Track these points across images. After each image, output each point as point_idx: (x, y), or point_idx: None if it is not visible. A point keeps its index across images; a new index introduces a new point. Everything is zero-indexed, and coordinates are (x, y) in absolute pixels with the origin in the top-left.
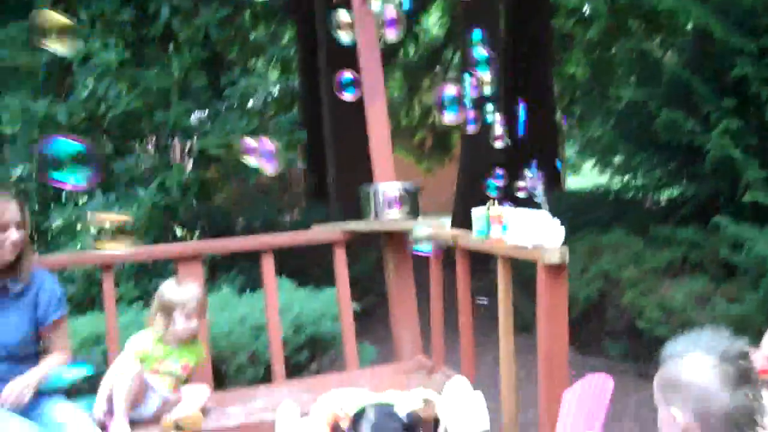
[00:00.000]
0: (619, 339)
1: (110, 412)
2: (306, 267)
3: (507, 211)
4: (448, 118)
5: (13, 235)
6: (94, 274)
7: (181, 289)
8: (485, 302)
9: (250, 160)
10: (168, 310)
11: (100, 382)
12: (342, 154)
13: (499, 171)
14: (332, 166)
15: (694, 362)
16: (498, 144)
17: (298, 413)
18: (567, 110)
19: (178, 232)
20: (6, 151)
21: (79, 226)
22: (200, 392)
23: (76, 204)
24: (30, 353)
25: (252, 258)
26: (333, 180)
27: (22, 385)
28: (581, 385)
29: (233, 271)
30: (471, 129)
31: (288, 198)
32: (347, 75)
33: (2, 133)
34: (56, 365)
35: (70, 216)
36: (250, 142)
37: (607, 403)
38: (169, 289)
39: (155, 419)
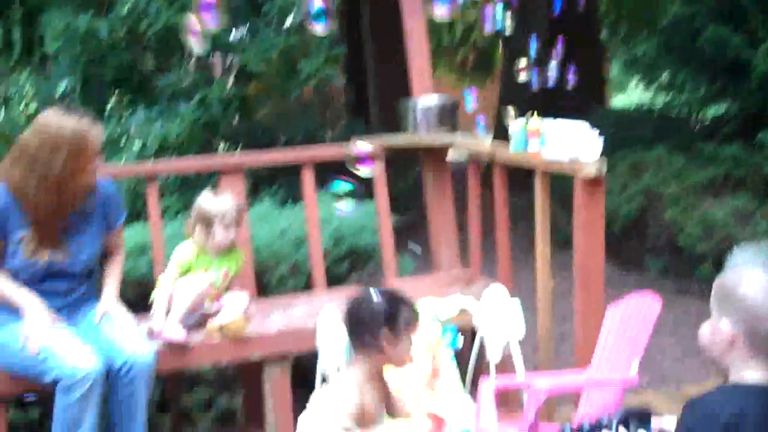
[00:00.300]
0: (660, 255)
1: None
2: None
3: (545, 124)
4: (439, 11)
5: (100, 161)
6: (138, 187)
7: (219, 200)
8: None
9: (194, 42)
10: (207, 221)
11: (152, 296)
12: (382, 69)
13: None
14: (372, 82)
15: (754, 278)
16: (522, 76)
17: (341, 318)
18: (612, 27)
19: (220, 148)
20: (49, 68)
21: (123, 141)
22: (240, 299)
23: (120, 119)
24: (97, 264)
25: (293, 173)
26: (373, 95)
27: (114, 303)
28: (626, 303)
29: (274, 186)
30: (486, 28)
31: (329, 114)
32: (317, 4)
33: (44, 52)
34: (121, 270)
35: (114, 131)
36: (192, 22)
37: (652, 326)
38: (206, 201)
39: (196, 326)
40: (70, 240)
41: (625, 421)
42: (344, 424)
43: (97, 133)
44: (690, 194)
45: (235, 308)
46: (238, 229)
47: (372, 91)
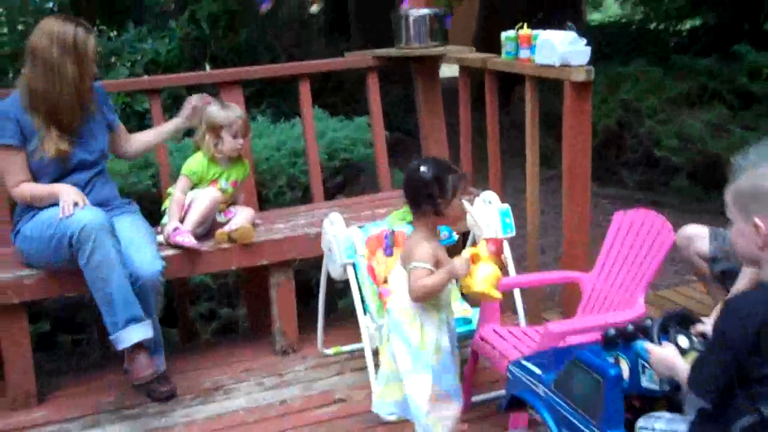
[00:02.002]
0: (636, 168)
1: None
2: (336, 103)
3: (536, 33)
4: None
5: (95, 67)
6: (132, 104)
7: (226, 110)
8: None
9: None
10: (216, 130)
11: (163, 203)
12: None
13: None
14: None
15: None
16: None
17: (344, 224)
18: None
19: (208, 67)
20: None
21: (113, 59)
22: (247, 212)
23: (110, 38)
24: (105, 166)
25: (281, 93)
26: (354, 12)
27: None
28: (634, 213)
29: (262, 105)
30: None
31: (306, 33)
32: None
33: None
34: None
35: (104, 49)
36: None
37: (661, 259)
38: (215, 111)
39: (208, 235)
40: (84, 133)
41: (665, 327)
42: (426, 263)
43: (93, 39)
44: (667, 107)
45: (244, 218)
46: (245, 139)
47: (353, 7)
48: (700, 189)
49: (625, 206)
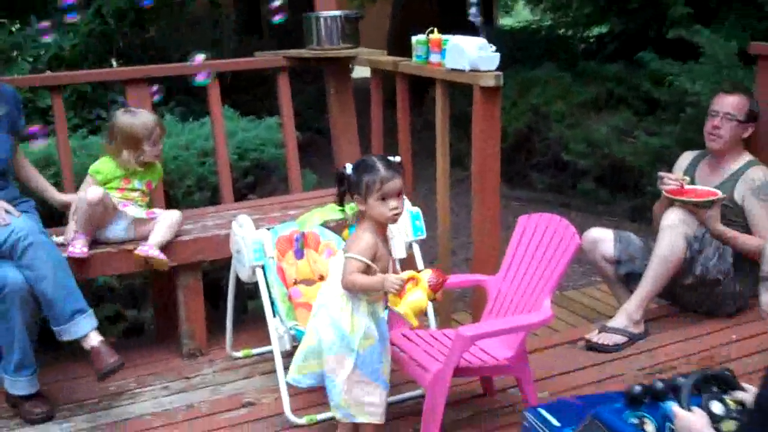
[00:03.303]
0: (545, 171)
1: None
2: (246, 102)
3: (446, 37)
4: None
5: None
6: (36, 101)
7: (141, 120)
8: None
9: None
10: (135, 142)
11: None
12: None
13: None
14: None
15: None
16: None
17: (253, 226)
18: None
19: (114, 63)
20: None
21: (15, 53)
22: (171, 219)
23: (11, 32)
24: (11, 169)
25: (189, 92)
26: (267, 12)
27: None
28: (539, 218)
29: (172, 104)
30: None
31: (219, 31)
32: None
33: None
34: None
35: (4, 43)
36: None
37: (565, 264)
38: (129, 122)
39: (128, 239)
40: None
41: (698, 389)
42: (362, 256)
43: None
44: (575, 112)
45: (166, 227)
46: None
47: (266, 7)
48: (606, 192)
49: (534, 208)
